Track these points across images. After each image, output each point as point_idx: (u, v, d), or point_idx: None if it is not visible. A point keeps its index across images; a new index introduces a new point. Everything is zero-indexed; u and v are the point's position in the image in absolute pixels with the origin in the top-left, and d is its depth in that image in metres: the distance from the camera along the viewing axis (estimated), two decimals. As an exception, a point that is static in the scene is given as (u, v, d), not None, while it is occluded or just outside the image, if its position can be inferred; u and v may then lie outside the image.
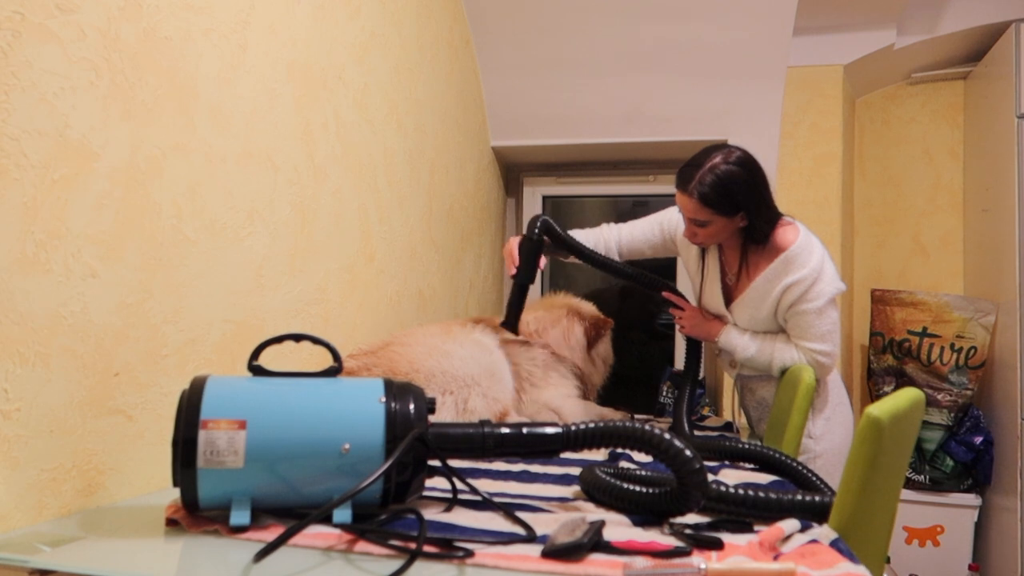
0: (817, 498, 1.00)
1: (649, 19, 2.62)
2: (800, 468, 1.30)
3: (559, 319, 1.90)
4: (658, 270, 2.00)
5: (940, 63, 3.31)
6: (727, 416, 2.87)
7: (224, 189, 1.27)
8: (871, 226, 3.47)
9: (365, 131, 1.83)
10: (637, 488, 0.99)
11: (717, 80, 2.77)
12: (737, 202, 1.66)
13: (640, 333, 3.00)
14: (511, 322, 1.81)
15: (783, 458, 1.35)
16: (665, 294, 1.90)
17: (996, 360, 2.97)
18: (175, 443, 0.85)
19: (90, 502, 0.99)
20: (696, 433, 1.85)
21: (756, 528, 0.93)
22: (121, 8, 1.03)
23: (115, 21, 1.02)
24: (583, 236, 1.96)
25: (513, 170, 3.46)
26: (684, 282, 2.57)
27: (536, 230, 1.80)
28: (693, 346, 1.92)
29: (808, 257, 1.69)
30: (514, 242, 1.86)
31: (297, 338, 0.99)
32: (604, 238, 1.99)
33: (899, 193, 3.44)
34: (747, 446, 1.43)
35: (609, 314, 2.02)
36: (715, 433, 1.97)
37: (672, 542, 0.85)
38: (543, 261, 1.85)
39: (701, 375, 2.79)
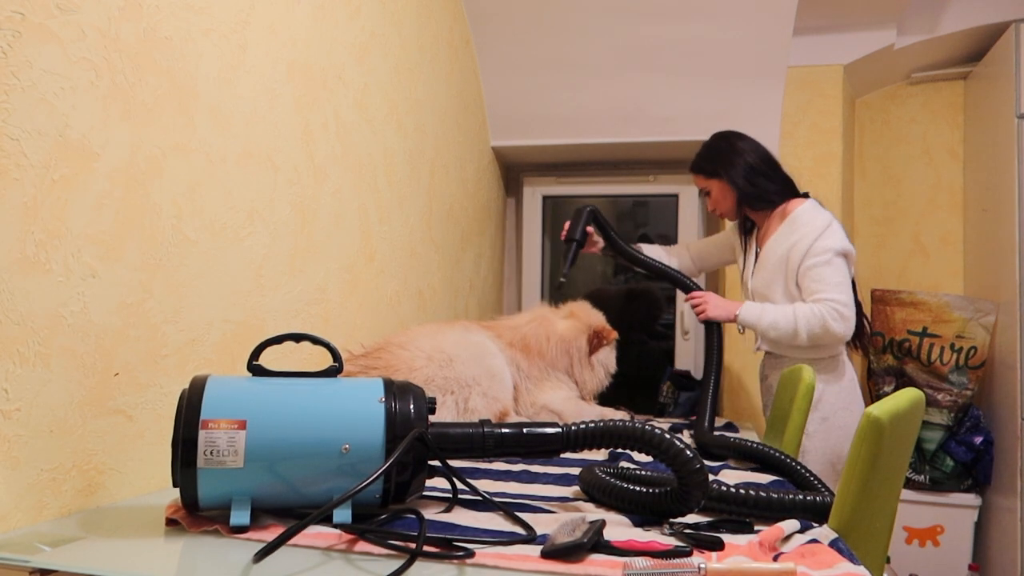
0: (817, 498, 1.00)
1: (649, 19, 2.62)
2: (812, 478, 1.26)
3: (563, 327, 1.90)
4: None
5: (940, 63, 3.31)
6: (727, 416, 2.87)
7: (224, 189, 1.27)
8: (871, 226, 3.47)
9: (365, 131, 1.83)
10: (637, 488, 0.99)
11: (717, 80, 2.77)
12: (715, 166, 2.00)
13: (641, 333, 3.00)
14: (565, 274, 2.07)
15: (801, 468, 1.30)
16: (686, 299, 2.05)
17: (996, 360, 2.97)
18: (175, 443, 0.85)
19: (90, 502, 0.99)
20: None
21: (756, 528, 0.93)
22: (121, 8, 1.03)
23: (115, 21, 1.02)
24: (657, 251, 2.27)
25: (513, 170, 3.46)
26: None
27: (587, 208, 2.14)
28: (713, 335, 1.98)
29: (812, 217, 1.86)
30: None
31: (297, 338, 0.99)
32: (674, 250, 2.30)
33: (899, 193, 3.44)
34: (773, 452, 1.39)
35: (612, 314, 2.03)
36: (716, 433, 1.97)
37: (672, 542, 0.85)
38: (590, 228, 2.14)
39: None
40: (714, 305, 1.93)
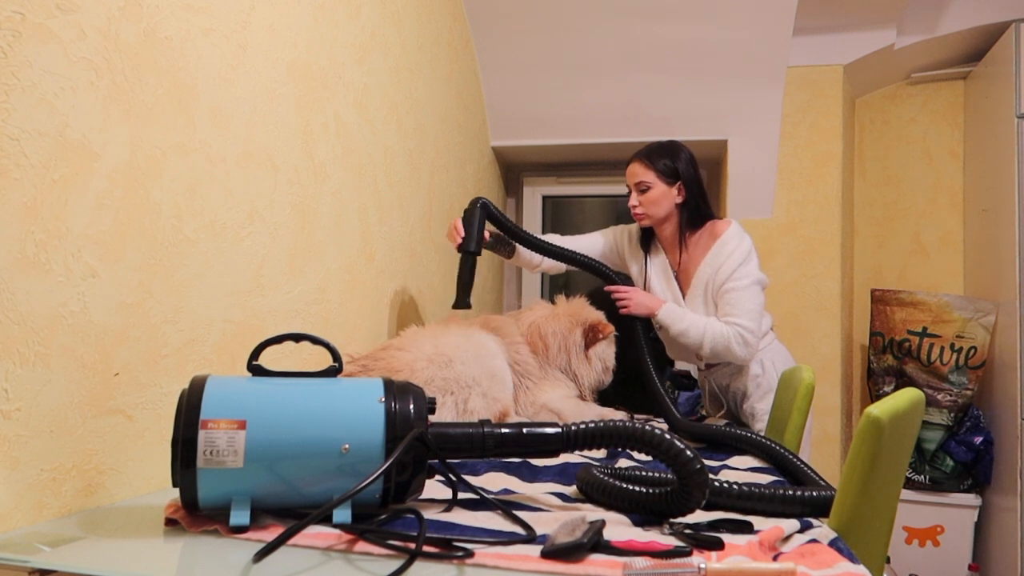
0: (817, 493, 1.01)
1: (649, 19, 2.62)
2: (789, 454, 1.34)
3: (561, 325, 1.90)
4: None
5: (940, 63, 3.31)
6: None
7: (224, 189, 1.27)
8: (871, 226, 3.47)
9: (365, 131, 1.83)
10: (637, 488, 0.99)
11: (717, 80, 2.77)
12: (677, 169, 1.96)
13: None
14: (463, 298, 1.89)
15: (775, 446, 1.37)
16: (607, 288, 2.02)
17: (996, 360, 2.97)
18: (175, 443, 0.85)
19: (90, 502, 0.99)
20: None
21: (756, 528, 0.93)
22: (121, 8, 1.03)
23: (115, 21, 1.02)
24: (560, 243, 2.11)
25: (513, 170, 3.46)
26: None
27: (477, 205, 1.92)
28: (637, 328, 1.97)
29: (740, 242, 1.93)
30: (454, 221, 1.96)
31: (297, 338, 0.99)
32: (550, 240, 2.10)
33: (899, 193, 3.44)
34: (743, 433, 1.48)
35: (614, 314, 2.03)
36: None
37: (672, 542, 0.85)
38: (487, 234, 1.97)
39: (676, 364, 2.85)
40: (637, 302, 1.96)
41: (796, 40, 2.93)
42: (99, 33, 0.99)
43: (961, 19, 3.03)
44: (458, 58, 2.60)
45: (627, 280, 2.09)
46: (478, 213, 1.90)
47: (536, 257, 2.10)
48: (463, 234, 1.90)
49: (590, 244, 2.17)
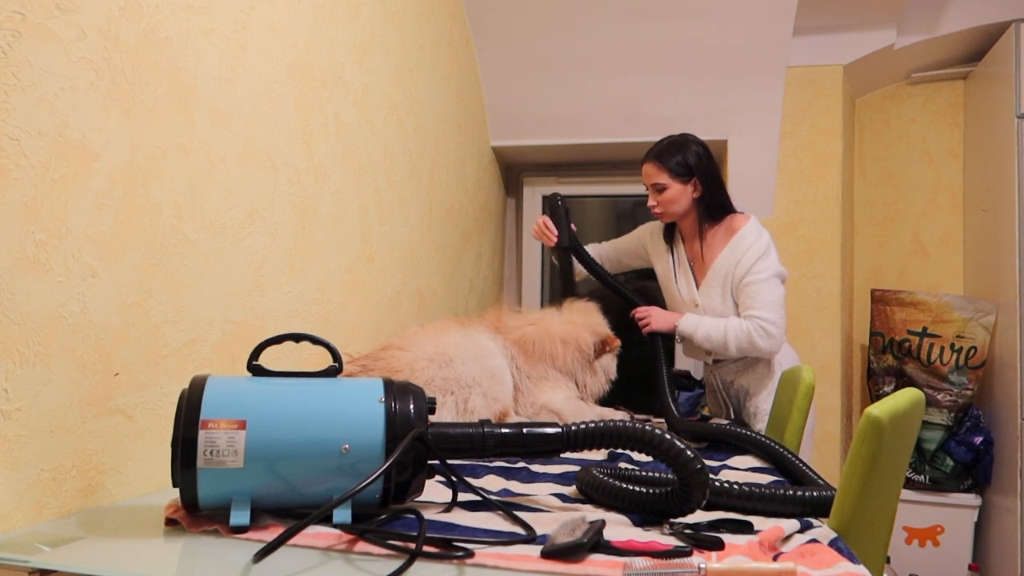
0: (817, 493, 1.01)
1: (649, 19, 2.62)
2: (784, 451, 1.36)
3: (567, 333, 1.90)
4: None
5: (940, 63, 3.31)
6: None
7: (224, 189, 1.27)
8: (871, 226, 3.47)
9: (365, 131, 1.83)
10: (637, 488, 0.99)
11: (717, 80, 2.77)
12: (690, 166, 1.97)
13: (640, 333, 3.00)
14: (572, 289, 2.11)
15: (775, 446, 1.38)
16: (631, 313, 2.08)
17: (996, 360, 2.97)
18: (175, 443, 0.85)
19: (90, 502, 0.99)
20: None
21: (756, 528, 0.93)
22: (121, 8, 1.03)
23: (115, 21, 1.02)
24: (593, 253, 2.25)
25: (513, 170, 3.46)
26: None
27: (559, 201, 2.12)
28: (657, 343, 2.03)
29: (758, 237, 1.94)
30: (542, 219, 2.15)
31: (297, 338, 0.99)
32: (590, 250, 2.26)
33: (899, 193, 3.44)
34: (743, 432, 1.50)
35: (612, 313, 2.04)
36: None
37: (672, 542, 0.85)
38: (573, 226, 2.12)
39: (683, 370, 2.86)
40: (657, 319, 2.02)
41: (796, 40, 2.93)
42: (99, 33, 0.99)
43: (961, 19, 3.03)
44: (458, 58, 2.60)
45: (648, 284, 2.14)
46: (561, 208, 2.07)
47: (578, 265, 2.20)
48: (555, 232, 2.09)
49: (620, 248, 2.27)
